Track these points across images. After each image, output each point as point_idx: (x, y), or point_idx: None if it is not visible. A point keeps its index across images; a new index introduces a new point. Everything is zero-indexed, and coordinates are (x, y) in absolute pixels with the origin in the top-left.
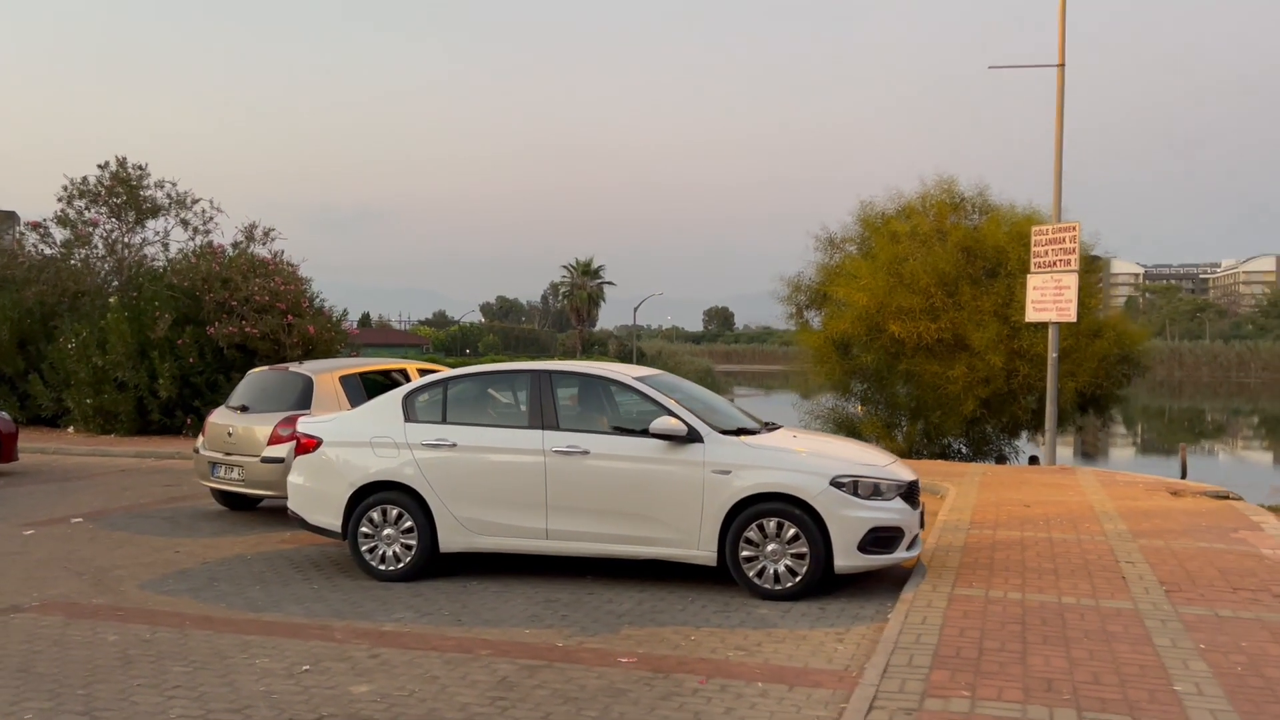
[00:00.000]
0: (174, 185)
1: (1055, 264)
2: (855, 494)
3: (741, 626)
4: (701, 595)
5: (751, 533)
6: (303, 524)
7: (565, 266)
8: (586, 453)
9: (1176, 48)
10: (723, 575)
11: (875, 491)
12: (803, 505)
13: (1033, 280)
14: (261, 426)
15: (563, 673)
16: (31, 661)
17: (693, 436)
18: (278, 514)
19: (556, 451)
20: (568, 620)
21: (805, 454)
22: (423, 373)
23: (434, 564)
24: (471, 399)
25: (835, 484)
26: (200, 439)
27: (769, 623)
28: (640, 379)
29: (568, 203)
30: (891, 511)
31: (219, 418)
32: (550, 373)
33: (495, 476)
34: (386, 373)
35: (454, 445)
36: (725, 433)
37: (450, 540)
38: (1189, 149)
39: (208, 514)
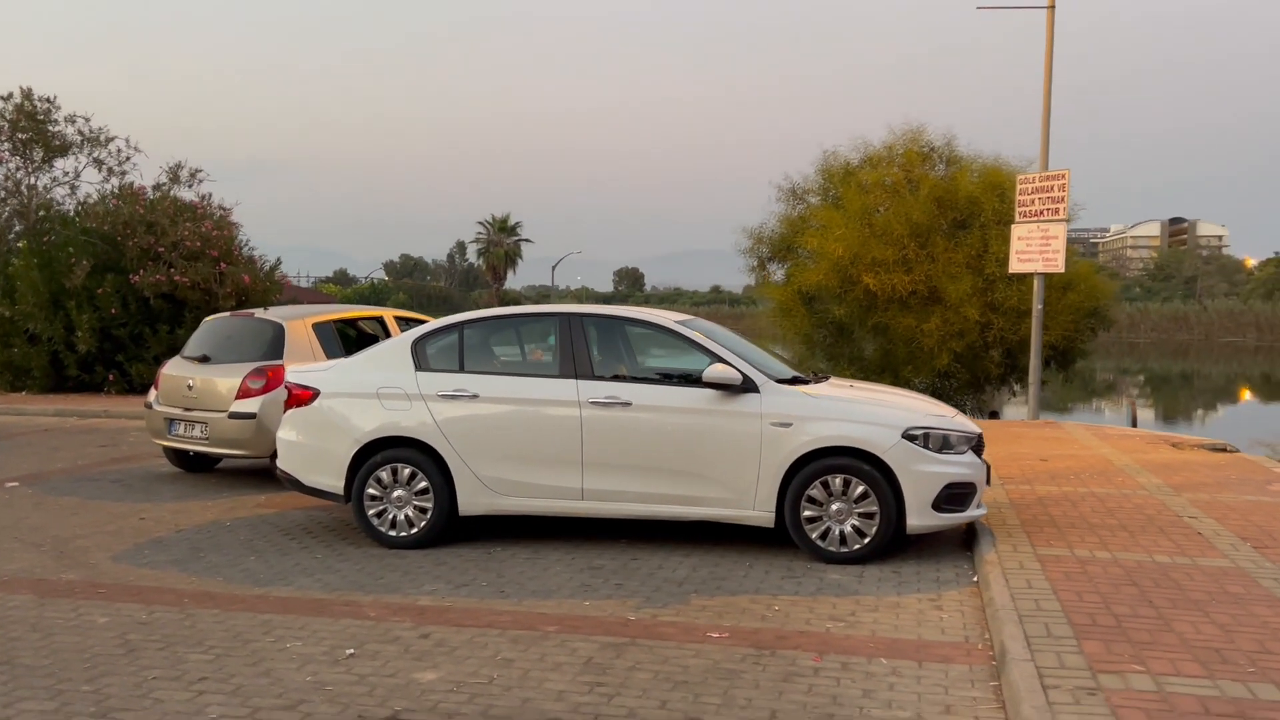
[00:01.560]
0: (86, 121)
1: (1042, 213)
2: (927, 447)
3: (822, 594)
4: (758, 559)
5: (815, 491)
6: (296, 485)
7: (481, 223)
8: (628, 404)
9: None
10: (778, 537)
11: (946, 444)
12: (872, 460)
13: (1017, 230)
14: (227, 379)
15: (653, 651)
16: (12, 652)
17: (748, 386)
18: (244, 474)
19: (594, 403)
20: (625, 589)
21: (873, 405)
22: (400, 321)
23: (450, 528)
24: (492, 345)
25: (908, 436)
26: (153, 393)
27: (849, 589)
28: (681, 323)
29: (477, 164)
30: (964, 466)
31: (176, 369)
32: (581, 316)
33: (524, 431)
34: (360, 321)
35: (475, 396)
36: (780, 382)
37: (471, 502)
38: (1085, 115)
39: (163, 476)
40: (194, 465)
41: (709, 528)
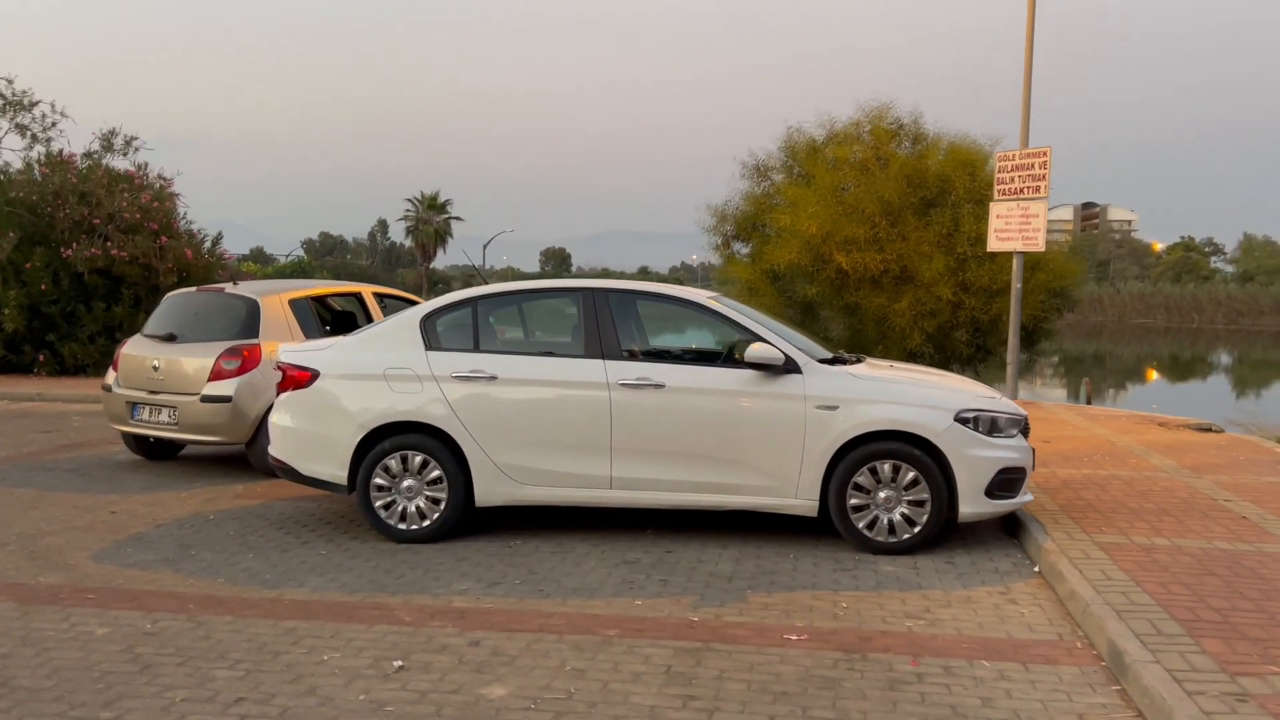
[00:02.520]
0: (10, 83)
1: (1022, 191)
2: (980, 430)
3: (884, 589)
4: (801, 550)
5: (862, 478)
6: (291, 475)
7: (409, 200)
8: (661, 386)
9: None
10: (815, 526)
11: (995, 427)
12: (923, 445)
13: (996, 208)
14: (199, 359)
15: (733, 657)
16: (6, 671)
17: (790, 366)
18: (212, 462)
19: (624, 385)
20: (672, 586)
21: (922, 386)
22: (379, 298)
23: (464, 521)
24: (509, 323)
25: (960, 420)
26: (111, 375)
27: (910, 582)
28: (712, 299)
29: (399, 142)
30: (1015, 450)
31: (138, 349)
32: (606, 291)
33: (548, 415)
34: (337, 297)
35: (494, 378)
36: (821, 362)
37: (489, 492)
38: (1008, 91)
39: (123, 464)
40: (156, 452)
41: (737, 516)
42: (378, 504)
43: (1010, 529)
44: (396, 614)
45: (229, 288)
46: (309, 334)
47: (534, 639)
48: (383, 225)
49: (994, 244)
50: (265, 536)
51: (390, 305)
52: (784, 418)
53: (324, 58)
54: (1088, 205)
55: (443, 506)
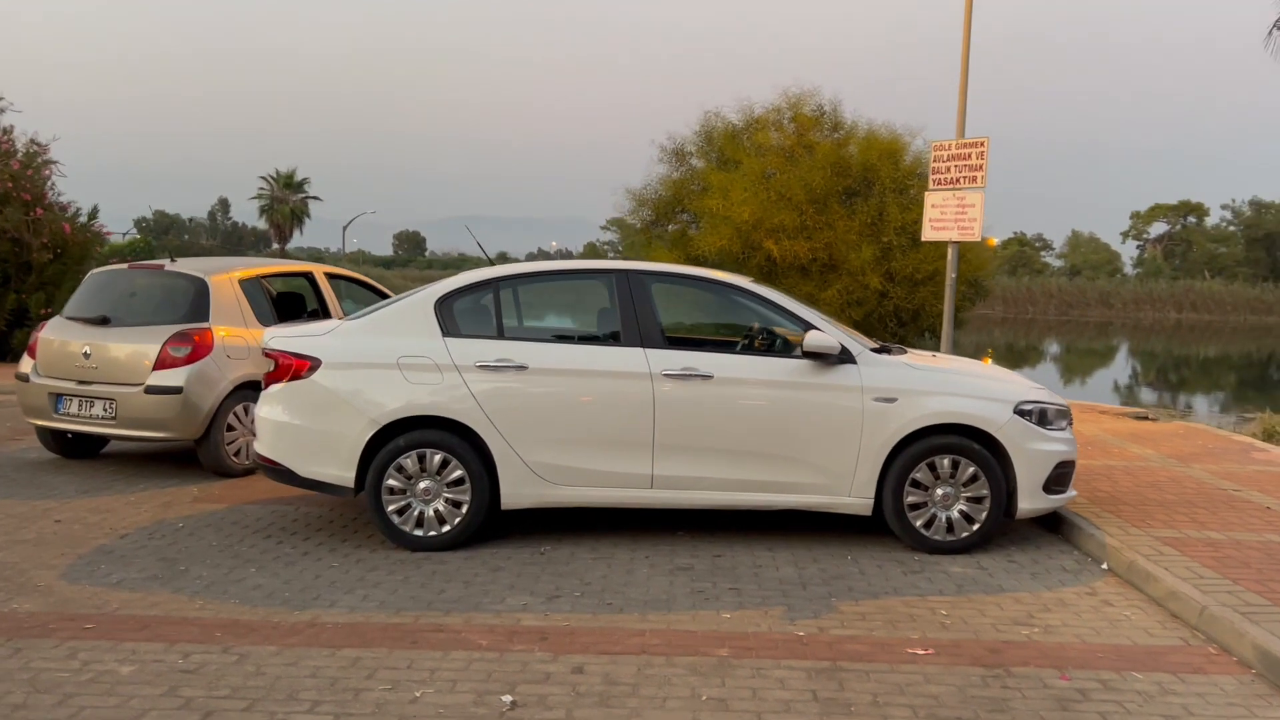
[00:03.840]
0: None
1: (959, 181)
2: (1036, 423)
3: (969, 592)
4: (853, 550)
5: (919, 474)
6: (286, 477)
7: (264, 178)
8: (708, 377)
9: None
10: (857, 524)
11: (1048, 419)
12: (983, 438)
13: (931, 197)
14: (142, 345)
15: (873, 677)
16: None
17: (844, 356)
18: (144, 461)
19: (668, 375)
20: (748, 595)
21: (979, 378)
22: (332, 279)
23: (486, 525)
24: (534, 307)
25: (1019, 412)
26: (28, 363)
27: (990, 585)
28: (752, 282)
29: (242, 115)
30: (1067, 443)
31: (60, 333)
32: (641, 274)
33: (584, 409)
34: (287, 277)
35: (524, 368)
36: (873, 351)
37: (517, 493)
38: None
39: (40, 464)
40: (75, 450)
41: (760, 513)
42: (390, 508)
43: (1048, 524)
44: (467, 637)
45: (170, 265)
46: (260, 316)
47: (642, 663)
48: (224, 204)
49: (929, 233)
50: (256, 546)
51: (343, 289)
52: (840, 411)
53: (155, 19)
54: None
55: (464, 510)
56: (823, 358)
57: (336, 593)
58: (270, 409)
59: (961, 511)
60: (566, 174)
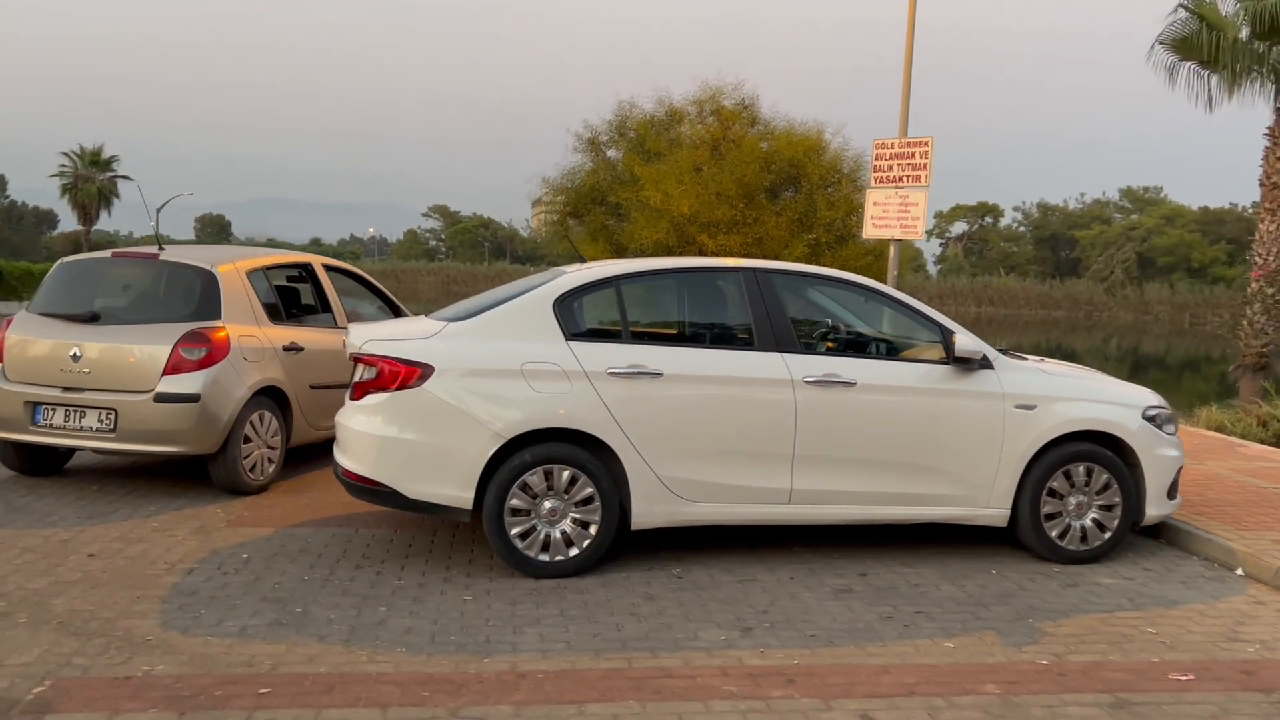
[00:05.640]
0: None
1: (901, 180)
2: (1159, 428)
3: (1148, 606)
4: (992, 562)
5: (1056, 482)
6: (390, 499)
7: (66, 154)
8: (851, 384)
9: None
10: (1006, 537)
11: (1166, 423)
12: (1115, 445)
13: (873, 195)
14: (148, 345)
15: (1166, 708)
16: None
17: (984, 361)
18: (122, 476)
19: (810, 382)
20: (941, 619)
21: (1103, 382)
22: (330, 270)
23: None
24: (659, 307)
25: (1147, 417)
26: None
27: (1158, 596)
28: (878, 284)
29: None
30: (1180, 448)
31: (34, 332)
32: (770, 272)
33: (723, 418)
34: (287, 268)
35: (658, 375)
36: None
37: (649, 512)
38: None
39: (2, 484)
40: (38, 467)
41: (850, 526)
42: (514, 531)
43: (1147, 530)
44: (707, 682)
45: (166, 255)
46: (269, 310)
47: (923, 704)
48: (1, 181)
49: (870, 230)
50: (355, 579)
51: (340, 281)
52: (982, 418)
53: None
54: None
55: (595, 531)
56: (965, 363)
57: (503, 632)
58: (369, 422)
59: (1094, 520)
60: (382, 160)
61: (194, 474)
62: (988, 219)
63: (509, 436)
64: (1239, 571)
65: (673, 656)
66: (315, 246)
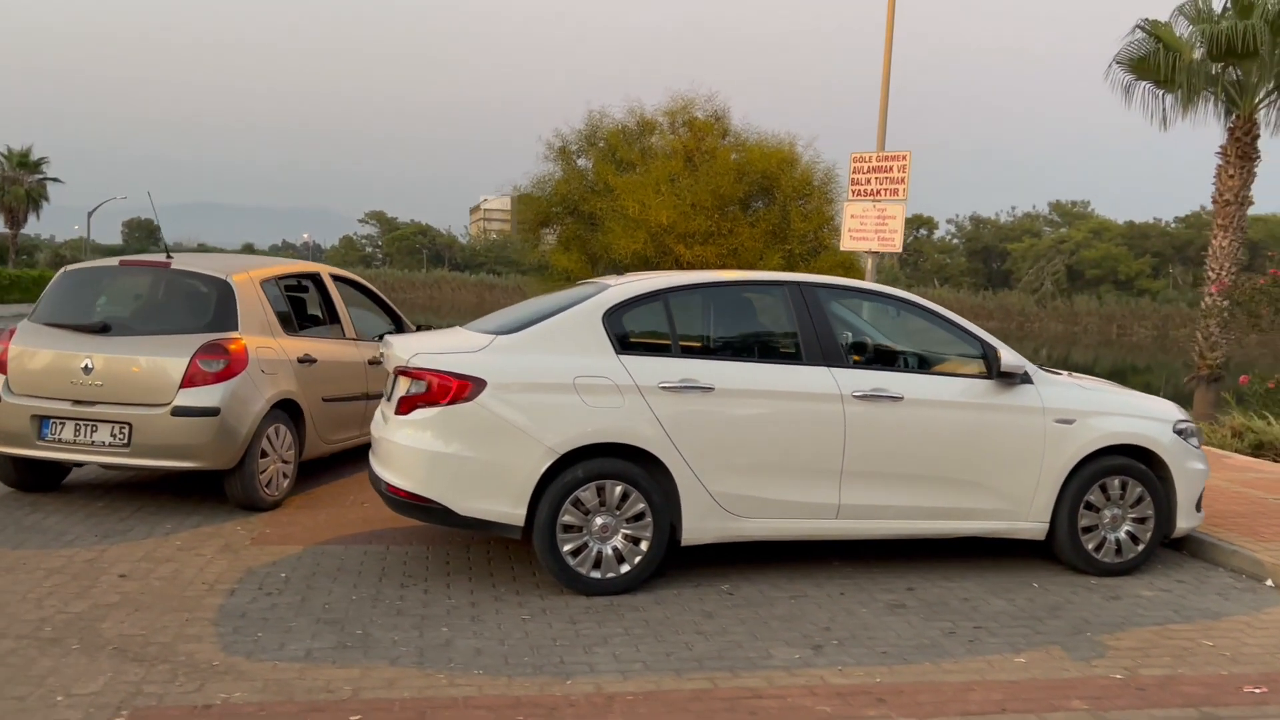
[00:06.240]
0: None
1: (879, 193)
2: (1188, 441)
3: (1197, 618)
4: (1032, 575)
5: (1093, 495)
6: (440, 516)
7: None
8: (899, 399)
9: None
10: (1038, 549)
11: (1193, 437)
12: (1148, 458)
13: (850, 208)
14: (163, 357)
15: None
16: None
17: (1025, 376)
18: (126, 492)
19: (858, 396)
20: (1002, 635)
21: (1134, 396)
22: (337, 280)
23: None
24: (705, 320)
25: (1177, 431)
26: None
27: (1201, 608)
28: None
29: None
30: (1205, 461)
31: (40, 342)
32: (815, 286)
33: (774, 433)
34: (296, 277)
35: (710, 389)
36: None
37: (700, 527)
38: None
39: (3, 502)
40: (33, 483)
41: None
42: (566, 548)
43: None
44: (798, 702)
45: (179, 263)
46: (284, 322)
47: None
48: None
49: (848, 243)
50: (405, 599)
51: (361, 292)
52: (1024, 433)
53: None
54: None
55: (646, 547)
56: (1008, 377)
57: (574, 653)
58: (418, 437)
59: (1129, 533)
60: (315, 165)
61: (201, 489)
62: (922, 231)
63: (563, 451)
64: (1269, 583)
65: (754, 676)
66: (248, 252)
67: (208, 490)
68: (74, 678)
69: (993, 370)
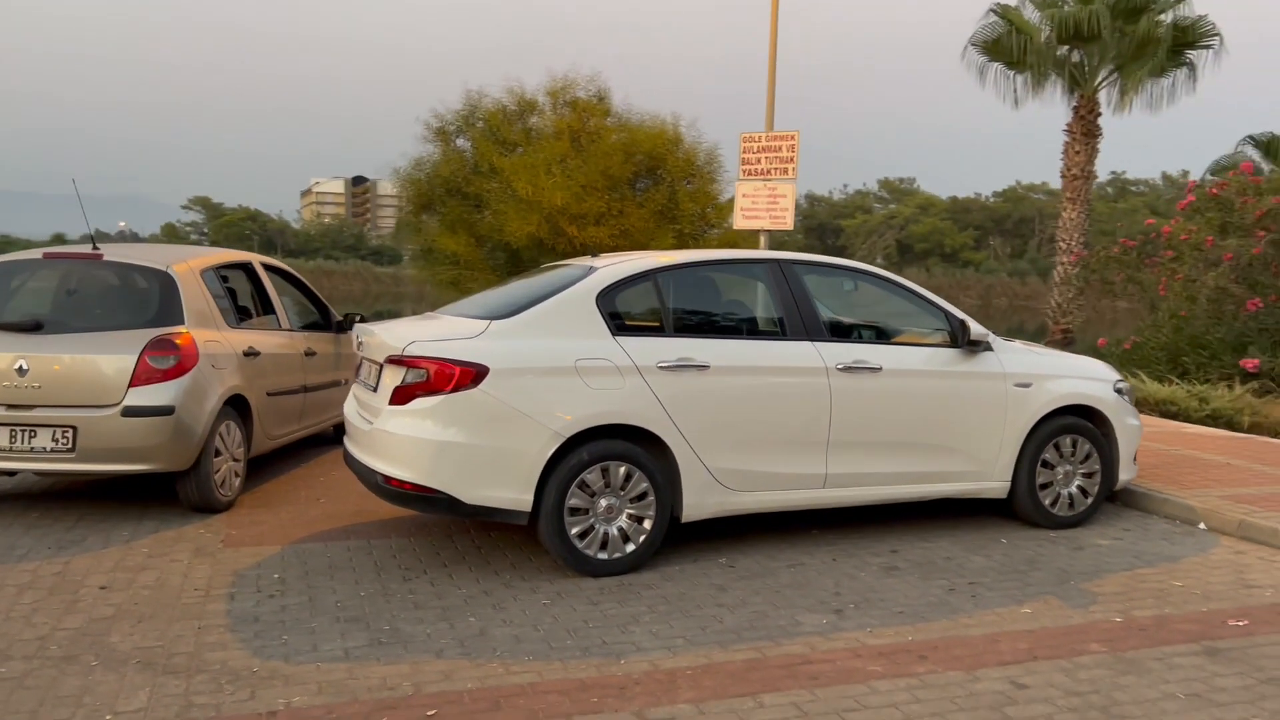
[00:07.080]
0: None
1: (770, 172)
2: (1126, 399)
3: (1158, 562)
4: (1000, 531)
5: (1048, 454)
6: (447, 506)
7: None
8: (878, 369)
9: None
10: (1001, 508)
11: (1128, 396)
12: (1094, 417)
13: (742, 188)
14: (109, 355)
15: (1252, 652)
16: None
17: (986, 344)
18: (62, 500)
19: (841, 369)
20: (1000, 590)
21: (1080, 359)
22: (269, 269)
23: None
24: (696, 299)
25: (1116, 390)
26: None
27: (1158, 553)
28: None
29: None
30: (1139, 418)
31: None
32: (794, 263)
33: (766, 408)
34: (229, 267)
35: (706, 367)
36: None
37: (699, 503)
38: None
39: None
40: None
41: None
42: (573, 531)
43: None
44: (851, 665)
45: (111, 254)
46: (224, 313)
47: (1052, 666)
48: None
49: (740, 222)
50: (416, 592)
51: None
52: (989, 397)
53: None
54: (358, 180)
55: (649, 526)
56: (974, 345)
57: (611, 633)
58: (419, 427)
59: (1079, 487)
60: (126, 150)
61: (143, 493)
62: None
63: (569, 435)
64: (1201, 526)
65: (794, 643)
66: (60, 241)
67: (150, 494)
68: (111, 695)
69: (961, 340)
